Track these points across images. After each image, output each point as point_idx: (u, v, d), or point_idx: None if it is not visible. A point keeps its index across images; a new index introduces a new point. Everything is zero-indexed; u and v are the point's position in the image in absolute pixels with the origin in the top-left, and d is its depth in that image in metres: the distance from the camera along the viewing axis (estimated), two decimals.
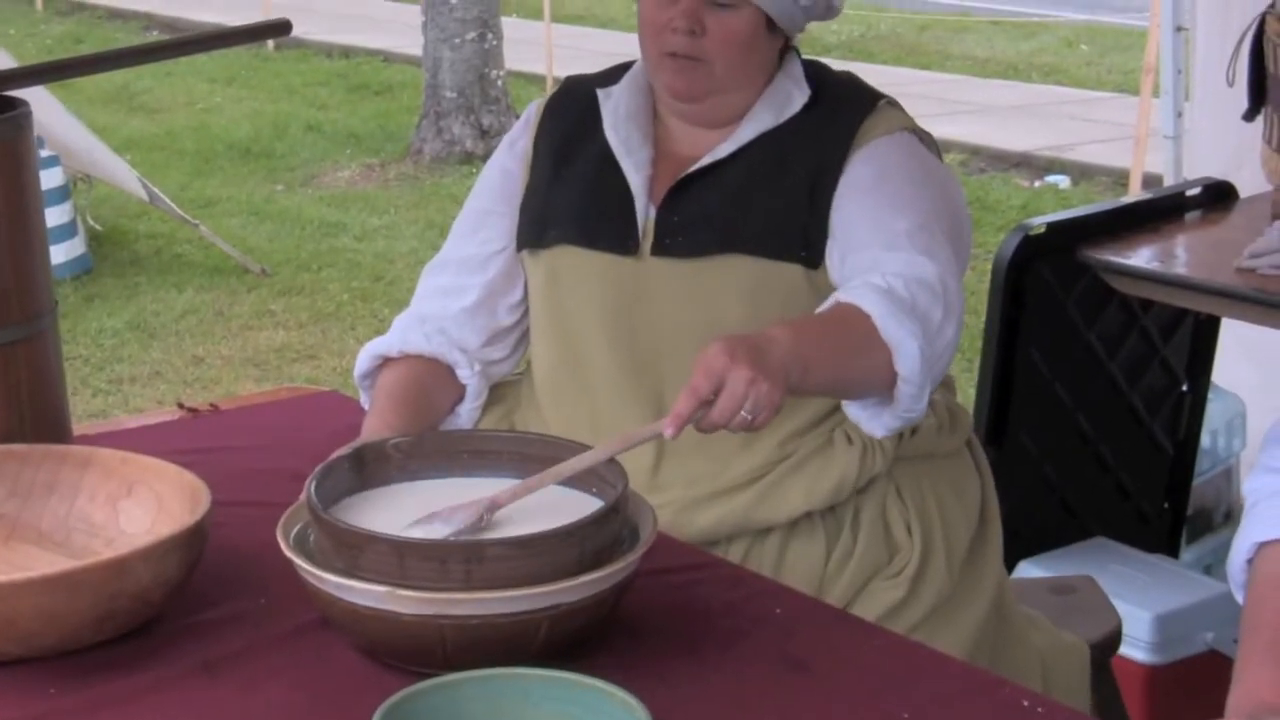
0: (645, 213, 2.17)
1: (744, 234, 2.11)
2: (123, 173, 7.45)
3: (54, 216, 6.99)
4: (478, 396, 2.25)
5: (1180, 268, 3.25)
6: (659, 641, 1.72)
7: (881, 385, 1.96)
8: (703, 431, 1.74)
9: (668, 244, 2.14)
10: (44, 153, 7.01)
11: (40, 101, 7.12)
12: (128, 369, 6.09)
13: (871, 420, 2.04)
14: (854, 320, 1.93)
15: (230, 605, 1.79)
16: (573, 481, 1.79)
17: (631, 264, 2.16)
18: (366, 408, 2.20)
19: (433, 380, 2.21)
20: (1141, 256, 3.22)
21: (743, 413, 1.72)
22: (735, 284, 2.11)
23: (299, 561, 1.66)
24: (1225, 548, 1.71)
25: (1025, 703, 1.62)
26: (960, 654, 2.05)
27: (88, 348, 6.29)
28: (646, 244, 2.16)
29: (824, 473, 2.11)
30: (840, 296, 1.97)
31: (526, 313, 2.28)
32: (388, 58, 13.03)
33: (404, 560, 1.60)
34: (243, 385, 5.84)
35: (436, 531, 1.70)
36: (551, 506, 1.74)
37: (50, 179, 6.97)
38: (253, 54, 12.97)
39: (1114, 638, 2.55)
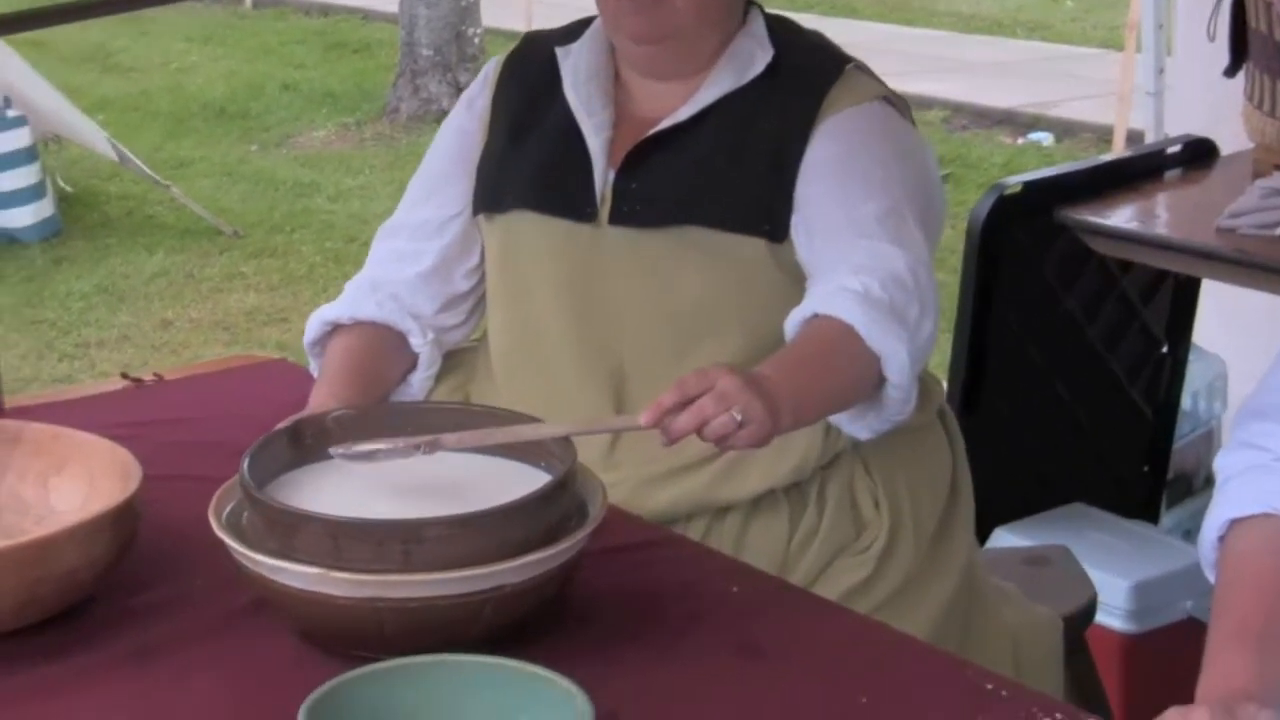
0: (604, 178, 2.08)
1: (705, 206, 2.02)
2: (92, 133, 7.35)
3: (22, 178, 6.90)
4: (430, 365, 2.18)
5: (1160, 228, 3.19)
6: (610, 625, 1.65)
7: (869, 394, 1.90)
8: (679, 433, 1.63)
9: (625, 212, 2.06)
10: (11, 113, 6.92)
11: (7, 62, 7.04)
12: (95, 333, 6.01)
13: (854, 423, 1.97)
14: (838, 338, 1.85)
15: (164, 588, 1.72)
16: (520, 455, 1.72)
17: (589, 232, 2.07)
18: (316, 376, 2.13)
19: (384, 348, 2.14)
20: (1120, 216, 3.15)
21: (733, 411, 1.63)
22: (694, 257, 2.03)
23: (231, 542, 1.59)
24: (1205, 512, 1.65)
25: (989, 686, 1.56)
26: (928, 631, 1.99)
27: (56, 311, 6.21)
28: (604, 211, 2.07)
29: (785, 450, 2.00)
30: (818, 308, 1.88)
31: (483, 279, 2.21)
32: (367, 15, 12.90)
33: (338, 541, 1.53)
34: (211, 349, 5.77)
35: (369, 452, 1.65)
36: (497, 481, 1.67)
37: (18, 139, 6.88)
38: (230, 11, 12.85)
39: (1088, 610, 2.49)
